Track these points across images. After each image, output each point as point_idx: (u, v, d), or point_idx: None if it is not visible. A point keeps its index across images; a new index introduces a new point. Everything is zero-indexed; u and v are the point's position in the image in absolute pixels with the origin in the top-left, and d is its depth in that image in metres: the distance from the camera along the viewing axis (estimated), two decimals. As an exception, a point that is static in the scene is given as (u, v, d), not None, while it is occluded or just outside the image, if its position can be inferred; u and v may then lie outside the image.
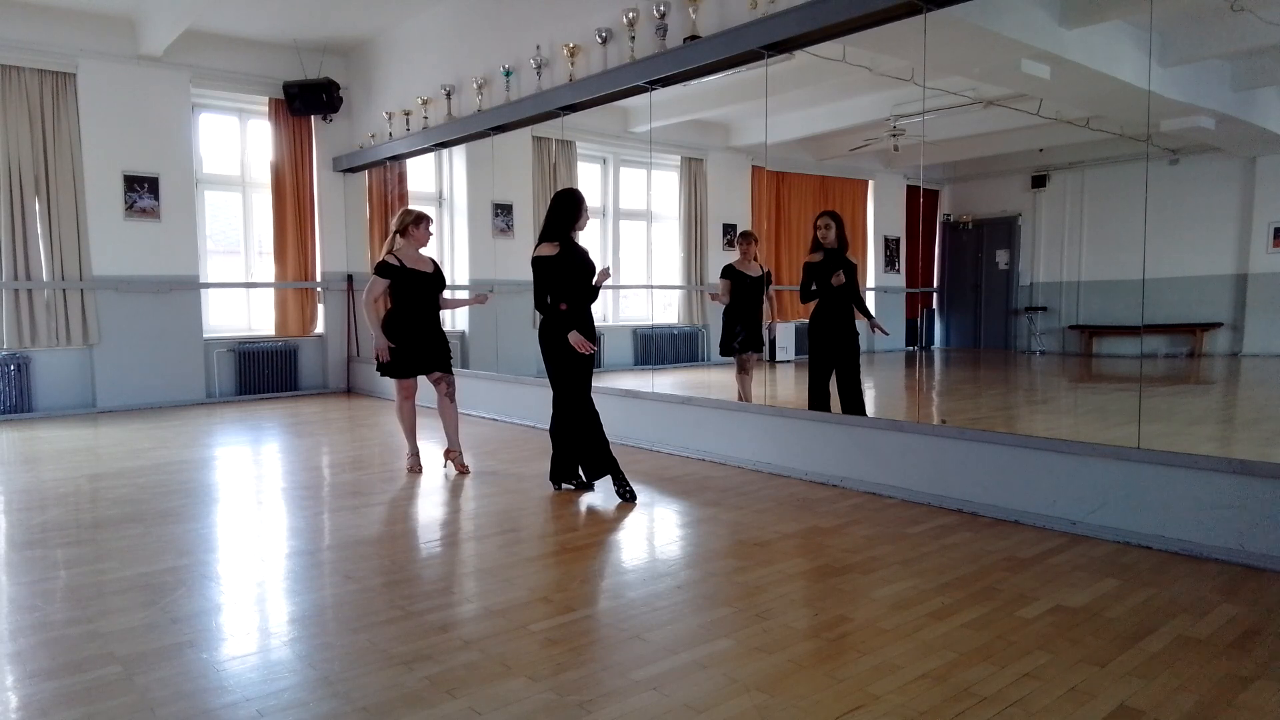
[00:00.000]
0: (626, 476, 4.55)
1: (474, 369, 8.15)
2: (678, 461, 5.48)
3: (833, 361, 5.59)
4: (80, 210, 7.91)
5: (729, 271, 6.41)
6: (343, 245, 9.56)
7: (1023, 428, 6.10)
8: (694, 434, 5.65)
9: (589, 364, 4.54)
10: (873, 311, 8.27)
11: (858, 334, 5.72)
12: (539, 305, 4.49)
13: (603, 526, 4.11)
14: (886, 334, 6.03)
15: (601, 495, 4.59)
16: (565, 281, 4.42)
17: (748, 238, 6.60)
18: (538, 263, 4.44)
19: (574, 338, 4.36)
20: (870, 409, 6.94)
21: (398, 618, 2.84)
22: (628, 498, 4.46)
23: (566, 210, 4.46)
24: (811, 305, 5.66)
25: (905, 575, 3.23)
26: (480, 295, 5.70)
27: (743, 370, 6.42)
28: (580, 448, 4.59)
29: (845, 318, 5.62)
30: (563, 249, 4.42)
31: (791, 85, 6.71)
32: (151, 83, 8.20)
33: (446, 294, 5.29)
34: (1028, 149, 9.62)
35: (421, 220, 5.09)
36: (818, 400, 5.57)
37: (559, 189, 4.70)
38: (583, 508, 4.40)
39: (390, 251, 5.05)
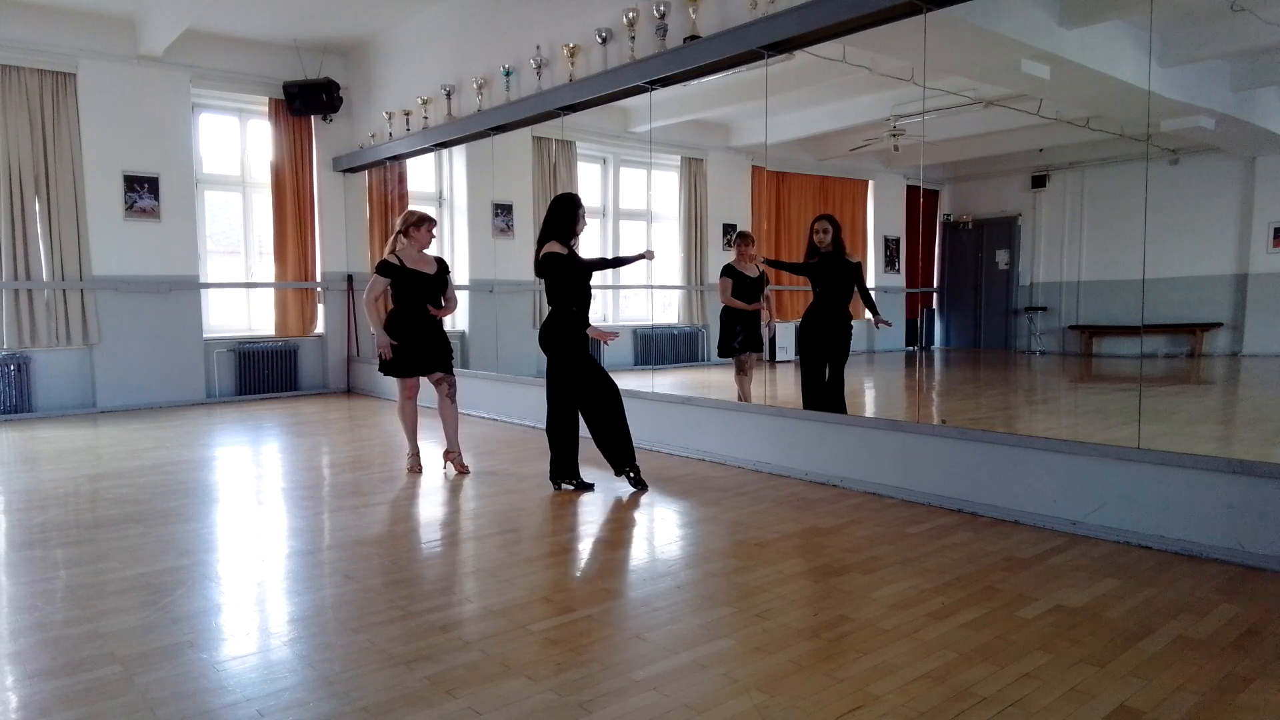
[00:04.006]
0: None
1: (474, 369, 8.15)
2: (678, 461, 5.48)
3: (825, 359, 5.63)
4: (80, 210, 7.90)
5: (729, 271, 6.42)
6: (343, 245, 9.55)
7: (1023, 428, 6.11)
8: (694, 434, 5.65)
9: (592, 360, 4.60)
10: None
11: (850, 333, 5.75)
12: (556, 301, 4.51)
13: (603, 526, 4.11)
14: (889, 324, 6.06)
15: (602, 495, 4.59)
16: (572, 283, 4.46)
17: (745, 238, 6.62)
18: (552, 259, 4.45)
19: (594, 332, 4.52)
20: (870, 409, 6.95)
21: (398, 618, 2.84)
22: (637, 484, 4.62)
23: (568, 215, 4.51)
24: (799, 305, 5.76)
25: (905, 575, 3.23)
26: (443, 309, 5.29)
27: (742, 370, 6.42)
28: (570, 445, 4.64)
29: (838, 317, 5.65)
30: (569, 251, 4.50)
31: (791, 85, 6.71)
32: (151, 83, 8.20)
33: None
34: (1028, 149, 9.63)
35: (424, 222, 5.09)
36: (812, 399, 5.59)
37: (558, 193, 4.73)
38: (583, 508, 4.40)
39: (392, 251, 5.07)
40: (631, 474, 4.65)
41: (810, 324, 5.72)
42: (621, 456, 4.64)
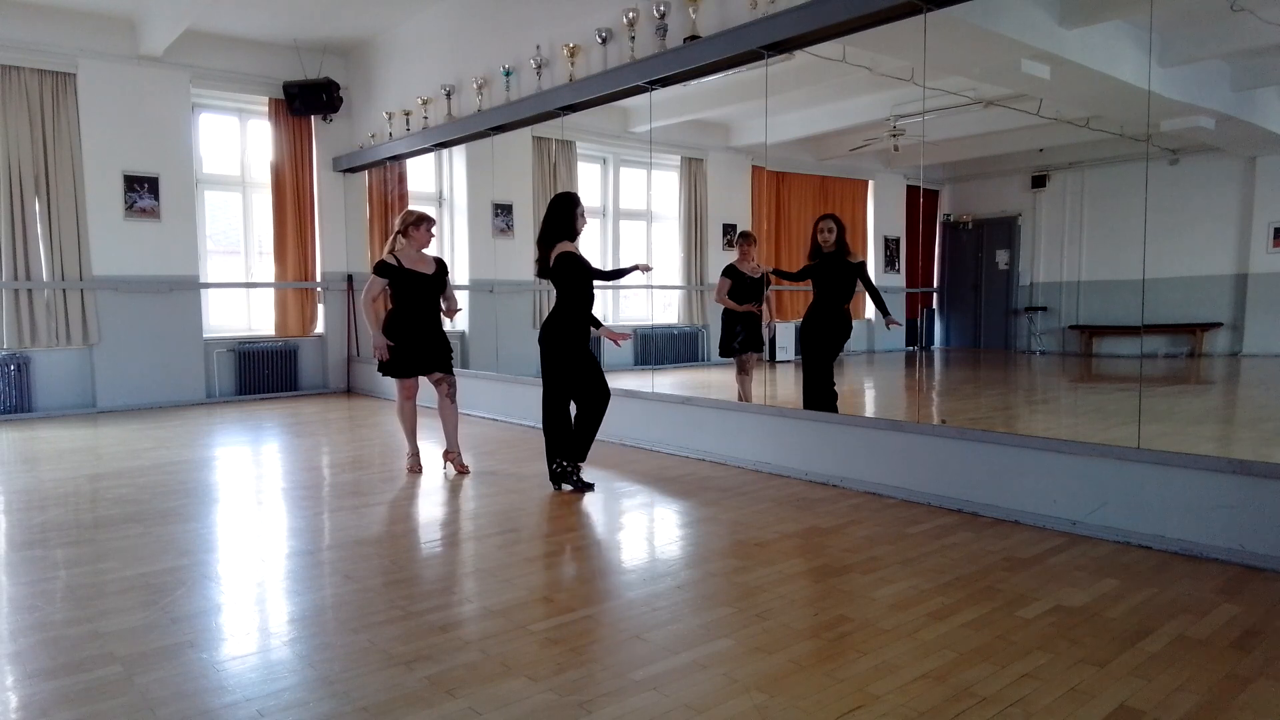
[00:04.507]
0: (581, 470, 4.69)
1: (474, 369, 8.15)
2: (678, 461, 5.48)
3: (827, 359, 5.63)
4: (80, 210, 7.90)
5: (730, 271, 6.43)
6: (343, 245, 9.55)
7: (1023, 428, 6.11)
8: (694, 434, 5.65)
9: (592, 358, 4.60)
10: (871, 311, 8.27)
11: (849, 332, 5.75)
12: (568, 301, 4.49)
13: (603, 526, 4.11)
14: (899, 324, 6.06)
15: (602, 495, 4.59)
16: (584, 284, 4.47)
17: (747, 238, 6.63)
18: (570, 259, 4.45)
19: (605, 332, 4.57)
20: (870, 409, 6.96)
21: (398, 618, 2.84)
22: (576, 483, 4.62)
23: (569, 214, 4.51)
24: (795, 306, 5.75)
25: (905, 575, 3.23)
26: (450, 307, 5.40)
27: (743, 370, 6.42)
28: (568, 437, 4.61)
29: (839, 317, 5.66)
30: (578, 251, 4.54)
31: (791, 85, 6.71)
32: (151, 83, 8.20)
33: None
34: (1028, 149, 9.63)
35: (423, 221, 5.09)
36: (814, 399, 5.58)
37: (558, 192, 4.73)
38: (583, 508, 4.40)
39: (391, 251, 5.06)
40: (572, 471, 4.63)
41: (812, 324, 5.72)
42: (572, 451, 4.61)
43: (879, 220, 9.65)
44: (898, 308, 10.01)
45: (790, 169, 9.15)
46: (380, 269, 5.00)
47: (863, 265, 5.79)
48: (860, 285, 5.75)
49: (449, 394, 5.19)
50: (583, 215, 4.57)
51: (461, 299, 5.76)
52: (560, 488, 4.70)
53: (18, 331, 7.66)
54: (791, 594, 3.06)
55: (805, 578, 3.26)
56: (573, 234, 4.51)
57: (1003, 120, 7.94)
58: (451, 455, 5.23)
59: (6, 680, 2.41)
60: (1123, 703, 2.22)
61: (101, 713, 2.20)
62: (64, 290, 7.85)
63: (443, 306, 5.19)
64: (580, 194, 4.87)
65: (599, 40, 6.01)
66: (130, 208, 8.19)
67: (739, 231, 7.34)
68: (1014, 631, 2.69)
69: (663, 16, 5.46)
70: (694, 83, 5.77)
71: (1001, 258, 10.57)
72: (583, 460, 4.65)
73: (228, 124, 9.10)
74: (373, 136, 8.89)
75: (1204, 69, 6.96)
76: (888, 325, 5.90)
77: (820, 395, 5.58)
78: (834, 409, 5.45)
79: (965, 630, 2.70)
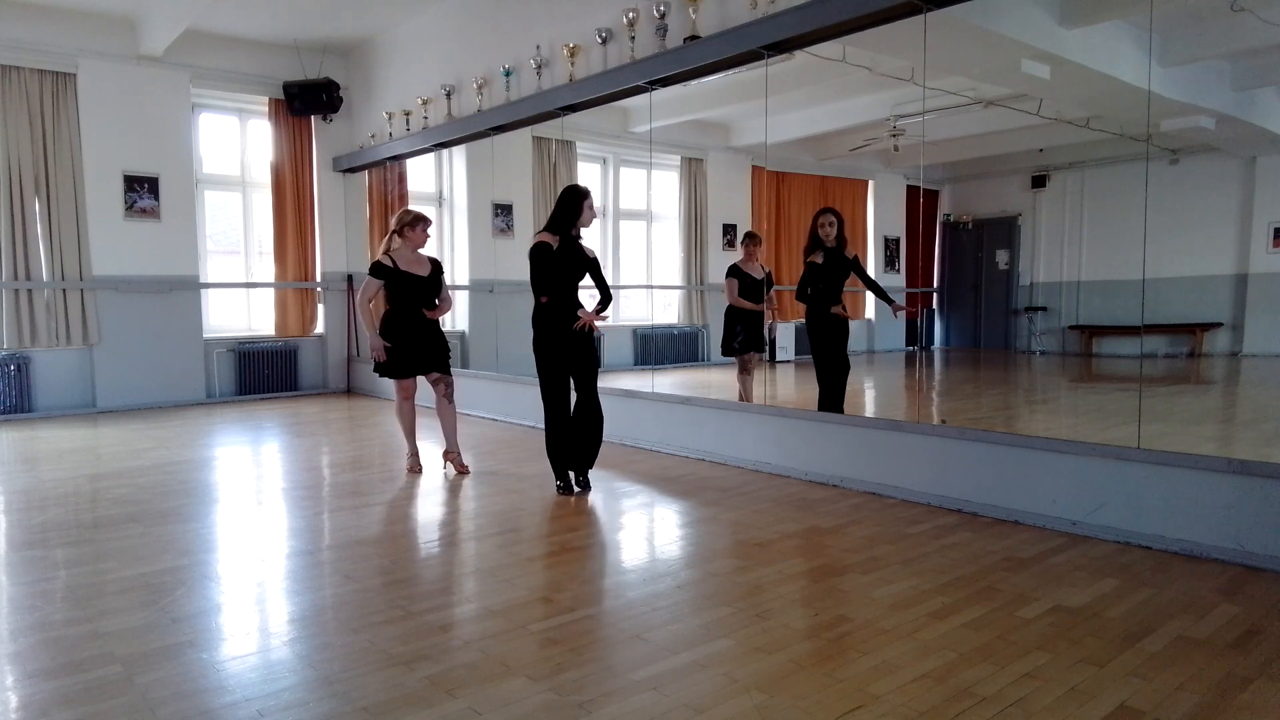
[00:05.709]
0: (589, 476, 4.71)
1: (474, 369, 8.15)
2: (678, 461, 5.48)
3: (837, 357, 5.58)
4: (80, 210, 7.90)
5: (734, 271, 6.43)
6: (343, 245, 9.55)
7: (1023, 428, 6.11)
8: (694, 434, 5.65)
9: (587, 358, 4.56)
10: (871, 310, 8.25)
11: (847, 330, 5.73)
12: (536, 293, 4.50)
13: (603, 526, 4.11)
14: (905, 309, 5.95)
15: (602, 495, 4.59)
16: (553, 275, 4.43)
17: (752, 239, 6.64)
18: (533, 250, 4.45)
19: (583, 312, 4.45)
20: (870, 409, 6.95)
21: (398, 618, 2.84)
22: (583, 487, 4.63)
23: (568, 206, 4.48)
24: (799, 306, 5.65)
25: (905, 575, 3.23)
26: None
27: (744, 370, 6.43)
28: (566, 442, 4.59)
29: (839, 313, 5.63)
30: (561, 243, 4.44)
31: (791, 85, 6.71)
32: (151, 83, 8.20)
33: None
34: (1028, 149, 9.63)
35: (419, 222, 5.07)
36: (830, 400, 5.52)
37: (566, 185, 4.69)
38: (583, 508, 4.40)
39: (386, 252, 5.05)
40: (581, 479, 4.68)
41: (819, 321, 5.63)
42: (580, 460, 4.65)
43: (879, 220, 9.64)
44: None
45: (790, 169, 9.14)
46: (375, 270, 4.99)
47: (858, 258, 5.76)
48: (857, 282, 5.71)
49: (446, 394, 5.19)
50: (589, 208, 4.52)
51: (461, 299, 5.74)
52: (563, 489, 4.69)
53: (18, 331, 7.66)
54: (791, 594, 3.06)
55: (805, 578, 3.26)
56: (567, 226, 4.45)
57: (1003, 120, 7.94)
58: (451, 455, 5.23)
59: (6, 680, 2.41)
60: (1123, 703, 2.22)
61: (101, 713, 2.20)
62: (64, 290, 7.85)
63: (435, 304, 5.18)
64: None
65: (599, 40, 6.01)
66: (130, 208, 8.19)
67: (745, 232, 7.33)
68: (1014, 631, 2.69)
69: (663, 16, 5.46)
70: (694, 83, 5.76)
71: (1001, 258, 10.57)
72: (581, 475, 4.67)
73: (228, 124, 9.10)
74: (373, 136, 8.89)
75: (1204, 69, 6.96)
76: (894, 312, 5.81)
77: (838, 396, 5.51)
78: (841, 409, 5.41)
79: (965, 630, 2.70)
